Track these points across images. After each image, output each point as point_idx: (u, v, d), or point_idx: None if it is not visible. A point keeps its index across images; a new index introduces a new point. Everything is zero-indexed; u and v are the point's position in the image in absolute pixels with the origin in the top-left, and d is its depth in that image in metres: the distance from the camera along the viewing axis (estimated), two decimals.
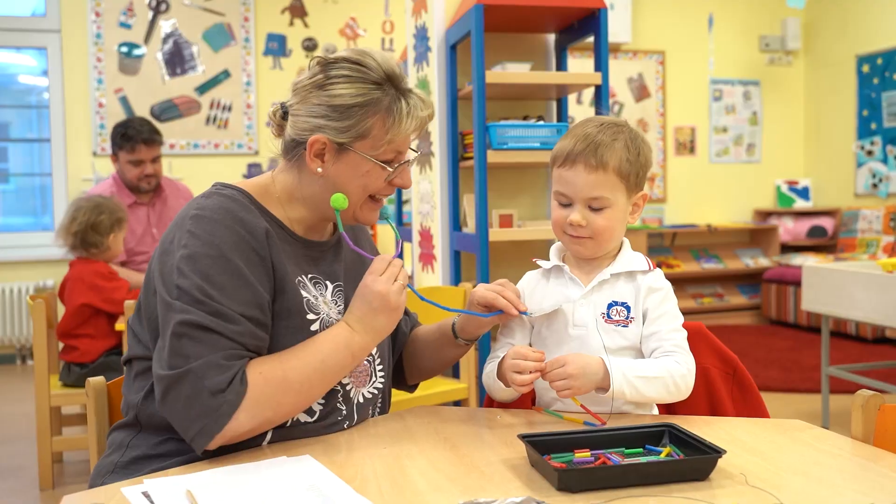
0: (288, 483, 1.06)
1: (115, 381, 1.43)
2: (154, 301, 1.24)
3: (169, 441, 1.25)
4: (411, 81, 3.40)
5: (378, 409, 1.43)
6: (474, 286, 2.79)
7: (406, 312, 1.59)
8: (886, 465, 1.08)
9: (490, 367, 1.42)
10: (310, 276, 1.34)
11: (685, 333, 1.38)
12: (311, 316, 1.29)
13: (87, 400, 1.42)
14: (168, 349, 1.17)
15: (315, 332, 1.29)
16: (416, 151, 1.44)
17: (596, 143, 1.33)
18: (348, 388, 1.34)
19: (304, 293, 1.30)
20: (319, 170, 1.30)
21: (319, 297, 1.33)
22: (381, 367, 1.43)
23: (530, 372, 1.28)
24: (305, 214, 1.36)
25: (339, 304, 1.36)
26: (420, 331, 1.59)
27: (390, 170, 1.32)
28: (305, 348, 1.25)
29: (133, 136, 3.50)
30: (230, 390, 1.15)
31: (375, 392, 1.41)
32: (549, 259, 1.47)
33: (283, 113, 1.35)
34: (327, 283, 1.36)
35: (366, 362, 1.39)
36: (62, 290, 3.13)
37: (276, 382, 1.19)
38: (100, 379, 1.42)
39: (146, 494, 1.05)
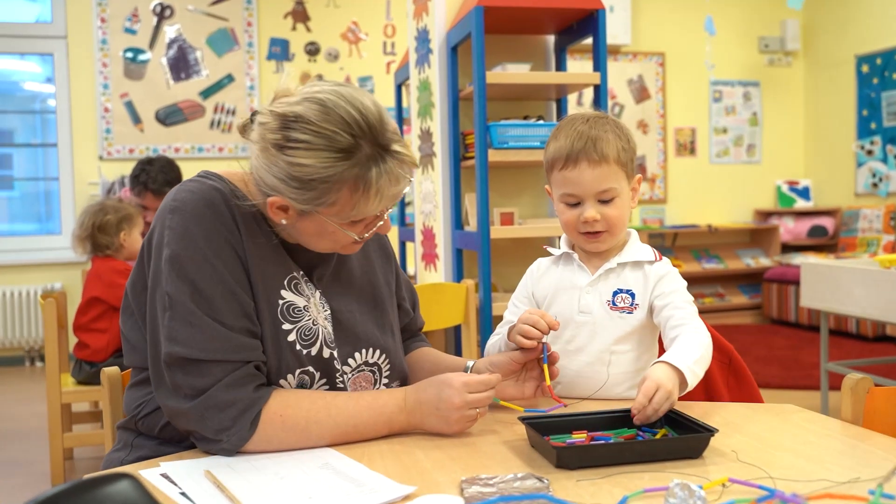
0: (303, 463, 1.11)
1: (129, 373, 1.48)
2: (145, 299, 1.22)
3: (167, 444, 1.26)
4: (413, 83, 3.46)
5: None
6: (476, 284, 2.86)
7: (413, 307, 1.53)
8: (873, 444, 1.12)
9: (494, 340, 1.46)
10: (300, 273, 1.28)
11: (696, 309, 1.40)
12: (286, 326, 1.22)
13: (101, 391, 1.47)
14: (166, 380, 1.16)
15: (291, 342, 1.22)
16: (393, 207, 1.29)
17: (592, 137, 1.36)
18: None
19: (287, 297, 1.24)
20: (283, 221, 1.21)
21: (310, 299, 1.27)
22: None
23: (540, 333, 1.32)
24: None
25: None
26: (428, 357, 1.50)
27: (358, 231, 1.23)
28: (345, 405, 1.19)
29: (144, 182, 3.42)
30: (234, 431, 1.13)
31: None
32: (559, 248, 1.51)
33: (251, 120, 1.25)
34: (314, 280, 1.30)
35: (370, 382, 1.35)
36: None
37: (293, 429, 1.17)
38: (114, 370, 1.45)
39: (165, 476, 1.09)
